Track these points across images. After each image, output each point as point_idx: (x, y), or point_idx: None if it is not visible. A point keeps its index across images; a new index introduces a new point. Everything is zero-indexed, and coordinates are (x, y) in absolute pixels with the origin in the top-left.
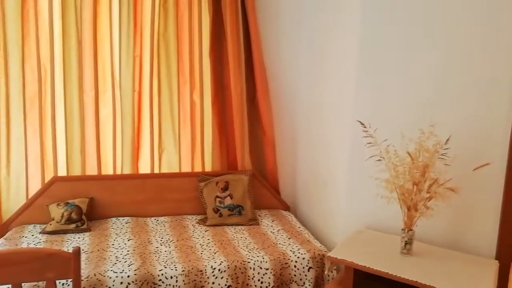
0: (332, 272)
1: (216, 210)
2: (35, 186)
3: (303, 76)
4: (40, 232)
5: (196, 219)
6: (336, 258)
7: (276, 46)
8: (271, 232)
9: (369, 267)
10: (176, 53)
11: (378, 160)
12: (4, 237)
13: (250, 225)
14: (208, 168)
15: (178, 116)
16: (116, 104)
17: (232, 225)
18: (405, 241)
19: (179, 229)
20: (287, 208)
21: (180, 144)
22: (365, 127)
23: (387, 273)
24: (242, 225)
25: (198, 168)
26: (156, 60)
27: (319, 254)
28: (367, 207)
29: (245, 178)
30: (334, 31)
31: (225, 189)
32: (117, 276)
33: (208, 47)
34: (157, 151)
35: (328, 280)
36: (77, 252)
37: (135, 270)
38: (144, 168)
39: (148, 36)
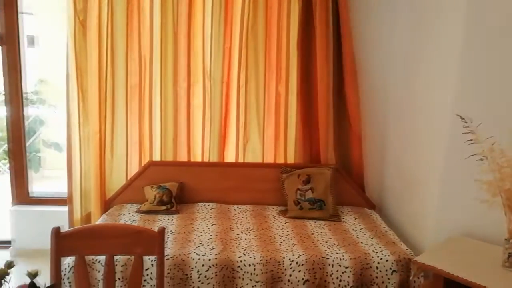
0: (418, 278)
1: (296, 203)
2: (134, 169)
3: (395, 69)
4: (135, 211)
5: (277, 210)
6: (424, 264)
7: (367, 38)
8: (353, 230)
9: (463, 278)
10: (264, 45)
11: (479, 160)
12: (106, 213)
13: (331, 220)
14: (290, 160)
15: (263, 107)
16: (206, 95)
17: (312, 219)
18: (509, 253)
19: (259, 218)
20: (372, 206)
21: (264, 135)
22: (465, 122)
23: (485, 287)
24: (322, 220)
25: (280, 160)
26: (244, 52)
27: (404, 258)
28: (463, 211)
29: (328, 172)
30: (435, 24)
31: (306, 182)
32: (199, 258)
33: (296, 40)
34: (242, 141)
35: (414, 287)
36: (161, 232)
37: (216, 255)
38: (230, 157)
39: (238, 28)
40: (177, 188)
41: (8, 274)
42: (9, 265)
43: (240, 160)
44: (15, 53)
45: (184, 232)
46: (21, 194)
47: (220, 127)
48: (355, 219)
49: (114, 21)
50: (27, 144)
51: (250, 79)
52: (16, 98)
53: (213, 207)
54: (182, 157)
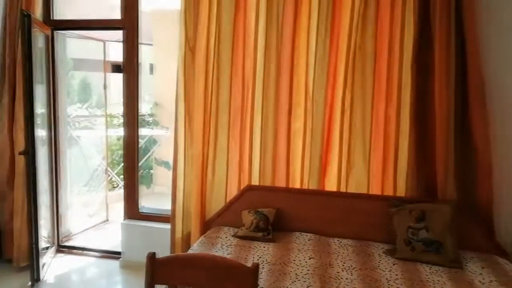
0: None
1: (407, 242)
2: (233, 191)
3: None
4: (232, 235)
5: (383, 248)
6: None
7: (499, 55)
8: (479, 281)
9: None
10: (372, 63)
11: None
12: (204, 235)
13: (450, 267)
14: (401, 192)
15: (370, 132)
16: (308, 118)
17: (427, 263)
18: None
19: (363, 256)
20: (504, 254)
21: (370, 163)
22: None
23: None
24: (440, 265)
25: (389, 191)
26: (350, 73)
27: None
28: None
29: (447, 209)
30: None
31: (420, 219)
32: None
33: (410, 57)
34: (345, 168)
35: None
36: (255, 269)
37: None
38: (331, 185)
39: (345, 48)
40: (274, 214)
41: None
42: None
43: (342, 189)
44: (133, 80)
45: (280, 264)
46: (132, 209)
47: (321, 153)
48: (482, 268)
49: (221, 46)
50: (141, 162)
51: (356, 101)
52: (132, 120)
53: (311, 238)
54: (281, 182)
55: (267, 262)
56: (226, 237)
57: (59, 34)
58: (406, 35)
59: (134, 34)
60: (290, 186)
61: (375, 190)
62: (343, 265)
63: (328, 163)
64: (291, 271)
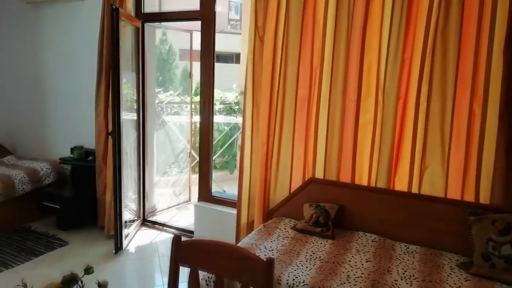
0: None
1: (487, 258)
2: (297, 182)
3: None
4: (291, 227)
5: (457, 260)
6: None
7: None
8: None
9: None
10: (456, 53)
11: None
12: (264, 224)
13: None
14: (484, 199)
15: (450, 129)
16: (378, 111)
17: (507, 284)
18: None
19: (430, 266)
20: None
21: (449, 163)
22: None
23: None
24: None
25: (469, 197)
26: (428, 62)
27: None
28: None
29: None
30: None
31: (505, 232)
32: None
33: (503, 43)
34: (419, 167)
35: None
36: (269, 264)
37: None
38: (401, 184)
39: (422, 33)
40: (336, 210)
41: (77, 281)
42: (87, 270)
43: (414, 190)
44: (209, 68)
45: (334, 262)
46: (205, 192)
47: (392, 149)
48: None
49: (289, 34)
50: (223, 148)
51: (434, 94)
52: (208, 107)
53: (374, 240)
54: (346, 177)
55: (320, 259)
56: (285, 229)
57: (149, 26)
58: (498, 14)
59: (211, 24)
60: (356, 182)
61: (453, 195)
62: (403, 273)
63: (399, 160)
64: (342, 272)
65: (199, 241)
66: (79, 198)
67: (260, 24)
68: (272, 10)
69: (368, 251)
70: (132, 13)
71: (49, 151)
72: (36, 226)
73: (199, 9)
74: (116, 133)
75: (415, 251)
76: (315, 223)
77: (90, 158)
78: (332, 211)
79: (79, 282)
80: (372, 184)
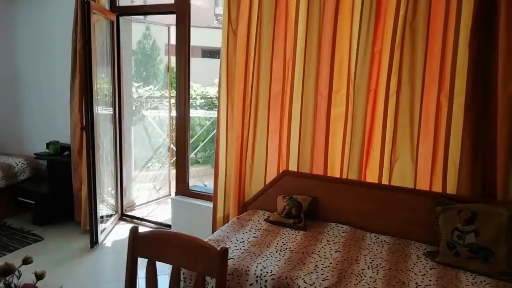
0: None
1: (451, 246)
2: (272, 175)
3: None
4: (264, 219)
5: (424, 249)
6: None
7: None
8: None
9: None
10: (424, 45)
11: None
12: (238, 216)
13: (500, 280)
14: (451, 189)
15: (419, 121)
16: (349, 104)
17: (471, 272)
18: None
19: (397, 255)
20: None
21: (418, 155)
22: None
23: None
24: (487, 276)
25: (437, 187)
26: (397, 54)
27: None
28: None
29: (505, 213)
30: None
31: (470, 221)
32: (305, 287)
33: (468, 35)
34: (389, 159)
35: None
36: (223, 253)
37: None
38: (372, 176)
39: (391, 25)
40: (309, 202)
41: (14, 271)
42: (26, 261)
43: (384, 182)
44: (185, 63)
45: (303, 253)
46: (182, 186)
47: (363, 141)
48: None
49: (262, 27)
50: (203, 142)
51: (403, 86)
52: (183, 102)
53: (346, 231)
54: (319, 169)
55: (290, 250)
56: (258, 221)
57: (126, 20)
58: (464, 6)
59: (186, 18)
60: (329, 174)
61: (422, 185)
62: (370, 263)
63: (370, 152)
64: (311, 262)
65: (155, 232)
66: (55, 193)
67: (234, 17)
68: (245, 3)
69: (339, 242)
70: (106, 6)
71: (25, 146)
72: (11, 222)
73: (173, 2)
74: (89, 128)
75: (384, 241)
76: (288, 215)
77: (66, 153)
78: (305, 203)
79: (16, 273)
80: (344, 176)
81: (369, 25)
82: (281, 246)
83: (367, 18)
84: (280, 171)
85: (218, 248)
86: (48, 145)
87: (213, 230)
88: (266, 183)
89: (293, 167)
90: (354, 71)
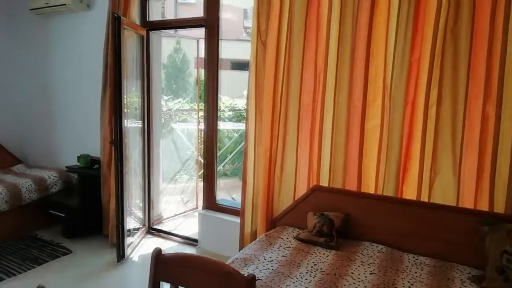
0: None
1: (501, 271)
2: (302, 190)
3: None
4: (294, 237)
5: (468, 273)
6: None
7: None
8: None
9: None
10: (467, 52)
11: None
12: (266, 233)
13: None
14: (499, 208)
15: (462, 134)
16: (385, 116)
17: None
18: None
19: (440, 279)
20: None
21: (461, 170)
22: None
23: None
24: None
25: (483, 206)
26: (438, 63)
27: None
28: None
29: None
30: None
31: None
32: None
33: None
34: (428, 174)
35: None
36: (250, 280)
37: None
38: (410, 192)
39: (431, 34)
40: (341, 219)
41: None
42: None
43: (423, 199)
44: (214, 75)
45: (335, 275)
46: (210, 200)
47: (400, 155)
48: None
49: (292, 38)
50: (231, 155)
51: (444, 96)
52: (212, 114)
53: (381, 250)
54: (352, 185)
55: (321, 271)
56: (287, 238)
57: (156, 34)
58: None
59: (215, 31)
60: (363, 190)
61: (465, 203)
62: (409, 287)
63: (407, 167)
64: (344, 285)
65: (179, 255)
66: (84, 206)
67: (263, 28)
68: (274, 14)
69: (373, 263)
70: (137, 22)
71: (57, 159)
72: (42, 234)
73: (203, 16)
74: (118, 141)
75: (424, 263)
76: (319, 233)
77: (96, 166)
78: (337, 220)
79: None
80: (379, 192)
81: (406, 32)
82: (312, 267)
83: (404, 24)
84: (311, 186)
85: (246, 274)
86: (78, 158)
87: (241, 246)
88: (296, 198)
89: (324, 182)
90: (390, 81)
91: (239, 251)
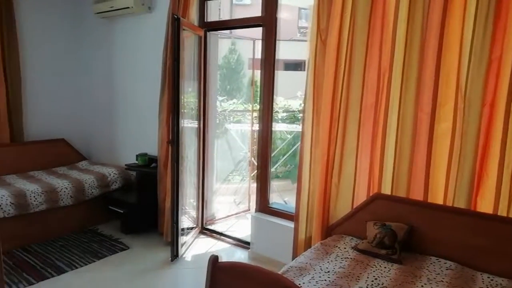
0: None
1: None
2: (361, 198)
3: None
4: (352, 247)
5: None
6: None
7: None
8: None
9: None
10: None
11: None
12: (322, 241)
13: None
14: None
15: None
16: (457, 119)
17: None
18: None
19: None
20: None
21: None
22: None
23: None
24: None
25: None
26: None
27: None
28: None
29: None
30: None
31: None
32: None
33: None
34: (508, 186)
35: None
36: None
37: None
38: (485, 204)
39: None
40: (405, 231)
41: None
42: None
43: (502, 213)
44: (270, 76)
45: None
46: (263, 203)
47: (474, 163)
48: None
49: (355, 37)
50: (285, 157)
51: None
52: (266, 115)
53: (450, 268)
54: (417, 194)
55: (383, 286)
56: (345, 248)
57: (213, 35)
58: None
59: (273, 31)
60: (430, 200)
61: None
62: None
63: (483, 176)
64: None
65: (236, 264)
66: (142, 203)
67: (323, 26)
68: (336, 11)
69: (442, 281)
70: (196, 23)
71: (117, 157)
72: (102, 229)
73: (261, 15)
74: (175, 141)
75: (501, 284)
76: (379, 244)
77: (153, 165)
78: (400, 231)
79: None
80: (449, 203)
81: (486, 26)
82: (372, 281)
83: (484, 17)
84: (371, 194)
85: (301, 284)
86: (137, 156)
87: (294, 253)
88: (354, 206)
89: (386, 190)
90: (465, 81)
91: (293, 257)
